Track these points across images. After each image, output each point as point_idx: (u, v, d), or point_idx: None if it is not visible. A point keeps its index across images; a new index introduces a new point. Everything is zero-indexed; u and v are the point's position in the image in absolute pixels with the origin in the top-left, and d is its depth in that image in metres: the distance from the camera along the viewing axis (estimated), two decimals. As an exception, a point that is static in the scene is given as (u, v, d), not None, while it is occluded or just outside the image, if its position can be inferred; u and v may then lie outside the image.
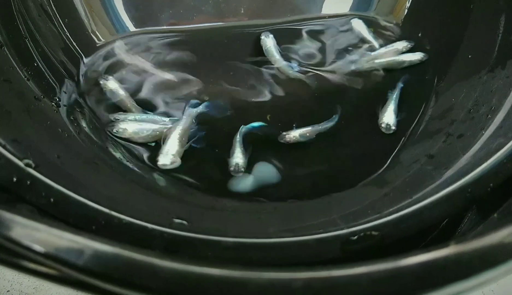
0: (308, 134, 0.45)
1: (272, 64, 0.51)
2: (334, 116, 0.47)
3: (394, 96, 0.47)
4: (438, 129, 0.40)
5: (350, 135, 0.46)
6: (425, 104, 0.45)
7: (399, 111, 0.46)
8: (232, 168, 0.42)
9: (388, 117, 0.45)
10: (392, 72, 0.50)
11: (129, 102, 0.46)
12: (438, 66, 0.47)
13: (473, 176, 0.30)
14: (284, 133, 0.45)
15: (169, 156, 0.40)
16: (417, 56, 0.50)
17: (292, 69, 0.51)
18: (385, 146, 0.43)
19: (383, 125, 0.45)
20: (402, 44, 0.52)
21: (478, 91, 0.39)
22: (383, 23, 0.54)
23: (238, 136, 0.44)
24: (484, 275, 0.18)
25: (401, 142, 0.43)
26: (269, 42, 0.52)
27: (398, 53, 0.51)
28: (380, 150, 0.43)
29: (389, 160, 0.41)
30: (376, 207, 0.30)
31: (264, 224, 0.32)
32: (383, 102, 0.47)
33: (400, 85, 0.48)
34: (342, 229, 0.27)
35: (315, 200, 0.37)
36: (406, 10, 0.53)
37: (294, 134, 0.45)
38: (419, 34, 0.51)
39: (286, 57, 0.52)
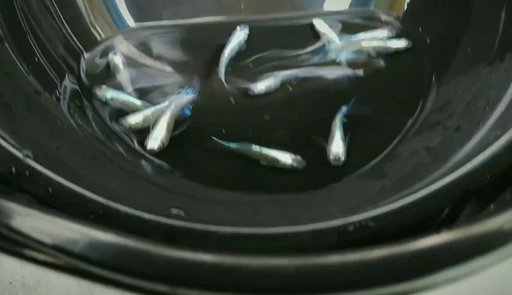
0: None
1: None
2: None
3: (338, 122, 0.43)
4: (437, 122, 0.40)
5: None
6: (424, 98, 0.45)
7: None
8: None
9: (336, 147, 0.41)
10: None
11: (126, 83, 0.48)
12: (438, 60, 0.47)
13: (470, 167, 0.30)
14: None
15: (157, 141, 0.42)
16: (402, 43, 0.50)
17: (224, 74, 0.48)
18: (383, 138, 0.43)
19: (331, 157, 0.41)
20: (382, 32, 0.52)
21: (477, 85, 0.39)
22: (384, 17, 0.54)
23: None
24: (477, 262, 0.19)
25: (400, 134, 0.43)
26: (238, 35, 0.51)
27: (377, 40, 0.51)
28: (379, 141, 0.43)
29: (387, 151, 0.41)
30: (374, 198, 0.31)
31: (261, 215, 0.32)
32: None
33: (343, 108, 0.45)
34: (339, 219, 0.28)
35: (312, 191, 0.38)
36: (406, 5, 0.53)
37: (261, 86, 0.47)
38: (419, 29, 0.51)
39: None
